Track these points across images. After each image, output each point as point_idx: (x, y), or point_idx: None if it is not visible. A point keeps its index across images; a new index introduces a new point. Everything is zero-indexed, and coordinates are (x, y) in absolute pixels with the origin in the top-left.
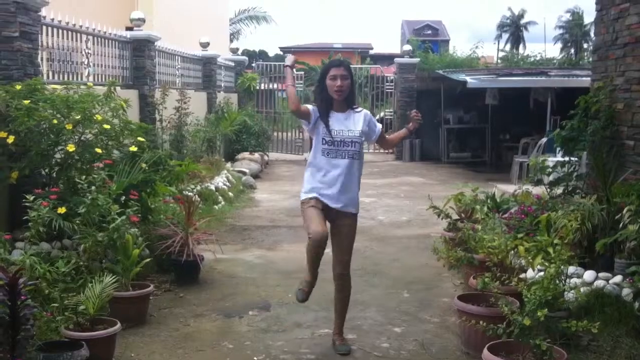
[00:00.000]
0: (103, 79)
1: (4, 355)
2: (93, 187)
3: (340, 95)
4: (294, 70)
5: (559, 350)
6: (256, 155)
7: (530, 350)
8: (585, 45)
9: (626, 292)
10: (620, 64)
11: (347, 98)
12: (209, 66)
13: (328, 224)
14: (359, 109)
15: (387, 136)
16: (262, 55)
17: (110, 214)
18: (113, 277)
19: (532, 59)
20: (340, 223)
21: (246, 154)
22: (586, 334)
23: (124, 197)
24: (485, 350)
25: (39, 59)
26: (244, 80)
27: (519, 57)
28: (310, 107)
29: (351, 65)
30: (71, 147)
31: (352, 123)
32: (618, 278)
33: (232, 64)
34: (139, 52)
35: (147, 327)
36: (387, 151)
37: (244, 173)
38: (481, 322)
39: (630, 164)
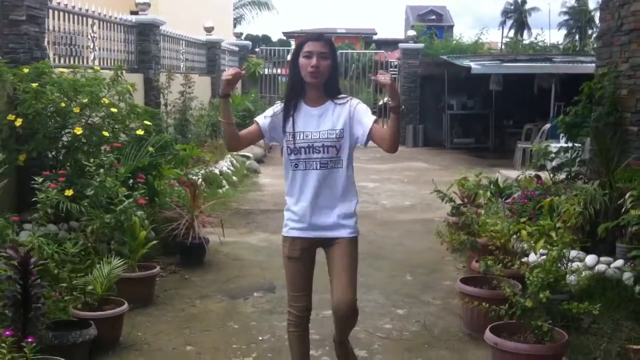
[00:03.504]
0: (109, 63)
1: (15, 332)
2: (101, 170)
3: (315, 78)
4: (230, 98)
5: (560, 332)
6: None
7: (532, 332)
8: (589, 32)
9: (627, 276)
10: (625, 50)
11: (327, 85)
12: (213, 51)
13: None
14: (344, 98)
15: (381, 130)
16: (266, 40)
17: (117, 197)
18: (121, 259)
19: (537, 47)
20: (330, 252)
21: None
22: (587, 317)
23: (131, 180)
24: (487, 331)
25: (46, 43)
26: (249, 65)
27: (522, 45)
28: (258, 120)
29: (354, 50)
30: (78, 130)
31: (328, 120)
32: (619, 262)
33: (236, 48)
34: (144, 36)
35: (153, 307)
36: None
37: (248, 157)
38: (483, 304)
39: (633, 149)
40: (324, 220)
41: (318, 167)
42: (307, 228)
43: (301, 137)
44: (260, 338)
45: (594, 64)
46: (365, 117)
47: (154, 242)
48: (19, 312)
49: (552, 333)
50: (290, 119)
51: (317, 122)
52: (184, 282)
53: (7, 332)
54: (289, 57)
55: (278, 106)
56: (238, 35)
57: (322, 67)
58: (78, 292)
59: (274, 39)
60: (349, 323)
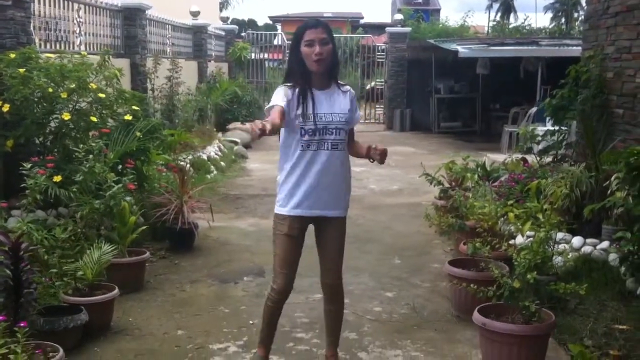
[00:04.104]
0: (95, 48)
1: (7, 318)
2: (90, 155)
3: (321, 66)
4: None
5: (547, 312)
6: (247, 125)
7: (519, 312)
8: (575, 15)
9: (613, 257)
10: (612, 33)
11: (330, 70)
12: (199, 35)
13: (311, 226)
14: (346, 87)
15: (352, 132)
16: (252, 24)
17: (106, 182)
18: (111, 244)
19: (523, 30)
20: (325, 229)
21: (237, 124)
22: (573, 298)
23: (120, 166)
24: (475, 312)
25: (31, 28)
26: (234, 49)
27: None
28: (281, 103)
29: (342, 34)
30: (66, 116)
31: (337, 104)
32: (605, 244)
33: (223, 33)
34: (130, 21)
35: (144, 292)
36: (377, 121)
37: (236, 143)
38: (472, 286)
39: (619, 132)
40: (327, 199)
41: (329, 148)
42: (309, 207)
43: (319, 119)
44: (251, 322)
45: (579, 48)
46: (357, 113)
47: (144, 227)
48: (10, 298)
49: (539, 313)
50: (310, 101)
51: (328, 104)
52: (174, 267)
53: (0, 317)
54: (275, 42)
55: (286, 90)
56: (224, 20)
57: (325, 53)
58: (68, 278)
59: (260, 23)
60: (338, 291)
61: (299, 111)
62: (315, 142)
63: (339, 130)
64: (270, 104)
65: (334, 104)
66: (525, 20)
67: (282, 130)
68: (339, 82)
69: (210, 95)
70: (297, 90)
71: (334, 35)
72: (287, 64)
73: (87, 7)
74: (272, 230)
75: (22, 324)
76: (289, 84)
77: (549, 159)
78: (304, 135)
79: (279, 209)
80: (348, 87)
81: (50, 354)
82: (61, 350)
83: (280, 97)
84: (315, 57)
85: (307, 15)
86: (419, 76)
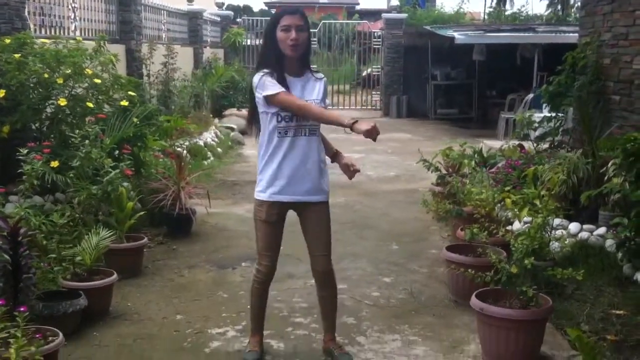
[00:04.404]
0: (90, 34)
1: (7, 302)
2: (87, 141)
3: (296, 51)
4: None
5: (544, 297)
6: (244, 111)
7: (517, 297)
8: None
9: (609, 243)
10: (608, 19)
11: (303, 57)
12: (194, 21)
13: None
14: (320, 74)
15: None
16: (247, 10)
17: (103, 168)
18: (108, 230)
19: (520, 17)
20: (309, 215)
21: (234, 110)
22: (570, 283)
23: (116, 151)
24: (473, 297)
25: (26, 13)
26: (229, 35)
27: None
28: (283, 88)
29: (337, 21)
30: (62, 101)
31: (310, 90)
32: (602, 230)
33: (218, 19)
34: (125, 6)
35: (142, 278)
36: (374, 107)
37: (232, 129)
38: (469, 271)
39: (616, 118)
40: (307, 184)
41: (307, 134)
42: (289, 192)
43: None
44: (249, 307)
45: (576, 34)
46: (326, 101)
47: (141, 213)
48: (9, 283)
49: (536, 298)
50: (285, 87)
51: (302, 91)
52: (172, 253)
53: (0, 302)
54: None
55: (269, 77)
56: (220, 6)
57: (302, 39)
58: (67, 263)
59: (255, 9)
60: (329, 277)
61: None
62: (292, 128)
63: None
64: (271, 91)
65: (309, 90)
66: (523, 7)
67: (261, 117)
68: (312, 68)
69: (206, 81)
70: (275, 76)
71: (330, 21)
72: (260, 50)
73: None
74: (253, 215)
75: (22, 309)
76: (266, 71)
77: (545, 145)
78: (281, 122)
79: (258, 194)
80: (321, 75)
81: (50, 338)
82: (61, 334)
83: (273, 83)
84: (291, 42)
85: (302, 1)
86: (416, 63)
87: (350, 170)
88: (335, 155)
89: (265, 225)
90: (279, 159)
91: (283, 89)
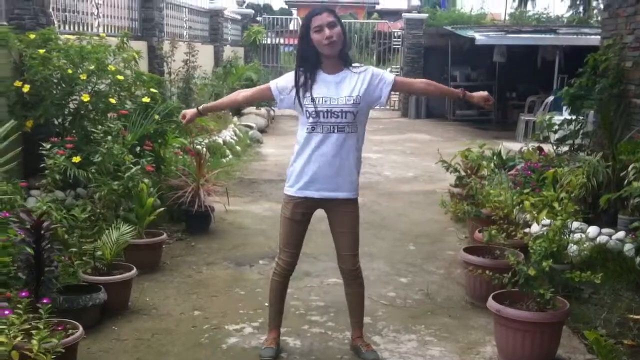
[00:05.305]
0: (112, 31)
1: (29, 294)
2: (109, 137)
3: (333, 48)
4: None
5: (561, 300)
6: (262, 110)
7: (534, 300)
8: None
9: (628, 247)
10: (631, 21)
11: (342, 53)
12: (215, 19)
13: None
14: (361, 67)
15: (407, 83)
16: (267, 9)
17: (125, 164)
18: (129, 226)
19: (542, 18)
20: (337, 212)
21: (252, 109)
22: (588, 287)
23: (138, 148)
24: (490, 299)
25: (51, 9)
26: (249, 33)
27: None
28: (270, 84)
29: (357, 20)
30: (86, 97)
31: (346, 87)
32: (621, 234)
33: (239, 17)
34: (148, 3)
35: (160, 273)
36: (392, 108)
37: (251, 127)
38: (487, 272)
39: (636, 122)
40: (335, 181)
41: (335, 131)
42: (316, 188)
43: (320, 102)
44: (267, 304)
45: (597, 36)
46: (383, 79)
47: (161, 209)
48: (32, 275)
49: (554, 301)
50: (309, 84)
51: (336, 88)
52: (190, 249)
53: (23, 293)
54: (291, 27)
55: (291, 75)
56: (240, 3)
57: (336, 35)
58: (87, 257)
59: (276, 7)
60: (356, 275)
61: (303, 94)
62: (320, 124)
63: (346, 113)
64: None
65: (342, 88)
66: (546, 9)
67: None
68: (354, 64)
69: (226, 79)
70: (301, 74)
71: (350, 20)
72: (297, 53)
73: None
74: (281, 209)
75: (45, 301)
76: (301, 69)
77: (565, 148)
78: (309, 118)
79: (287, 189)
80: (362, 68)
81: (70, 330)
82: (80, 327)
83: (281, 79)
84: (326, 40)
85: (324, 2)
86: (435, 63)
87: (487, 102)
88: (464, 96)
89: (289, 222)
90: (308, 155)
91: (270, 85)
